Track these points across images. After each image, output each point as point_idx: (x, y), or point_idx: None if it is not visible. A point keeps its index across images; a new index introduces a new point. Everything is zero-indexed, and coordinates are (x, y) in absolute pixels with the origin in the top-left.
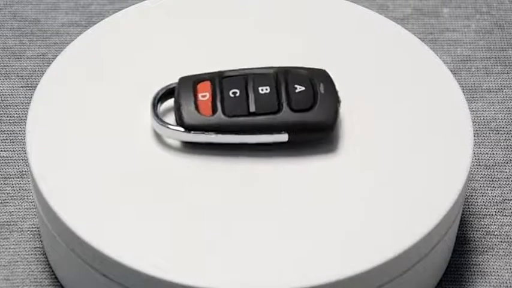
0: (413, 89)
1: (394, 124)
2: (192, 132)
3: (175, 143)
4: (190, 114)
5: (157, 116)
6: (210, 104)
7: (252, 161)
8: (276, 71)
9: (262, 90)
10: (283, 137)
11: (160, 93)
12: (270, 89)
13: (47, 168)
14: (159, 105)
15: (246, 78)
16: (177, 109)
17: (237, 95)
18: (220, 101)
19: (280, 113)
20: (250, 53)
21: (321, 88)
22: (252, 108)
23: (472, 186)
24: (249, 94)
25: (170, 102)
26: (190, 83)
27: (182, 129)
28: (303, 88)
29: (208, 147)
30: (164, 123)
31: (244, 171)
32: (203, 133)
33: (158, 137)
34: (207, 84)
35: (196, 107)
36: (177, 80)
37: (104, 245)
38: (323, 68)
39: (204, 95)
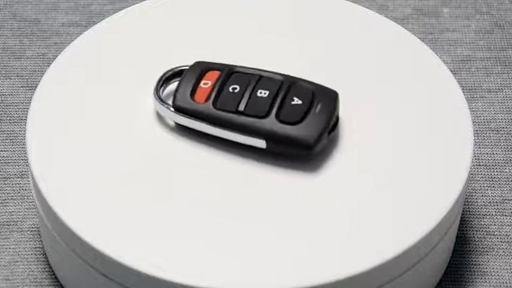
0: (413, 89)
1: (394, 124)
2: (180, 114)
3: (175, 143)
4: (183, 97)
5: (157, 91)
6: (207, 93)
7: (253, 161)
8: (285, 79)
9: (260, 93)
10: (262, 143)
11: (171, 73)
12: (268, 94)
13: (47, 168)
14: (168, 83)
15: (251, 78)
16: (176, 89)
17: (235, 91)
18: (217, 92)
19: (266, 119)
20: (250, 53)
21: (318, 107)
22: (241, 108)
23: (472, 186)
24: (245, 94)
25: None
26: (200, 69)
27: (172, 108)
28: (300, 102)
29: (209, 147)
30: (160, 100)
31: (244, 170)
32: (189, 117)
33: (158, 137)
34: (215, 74)
35: (193, 93)
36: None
37: (104, 245)
38: (321, 66)
39: (207, 83)
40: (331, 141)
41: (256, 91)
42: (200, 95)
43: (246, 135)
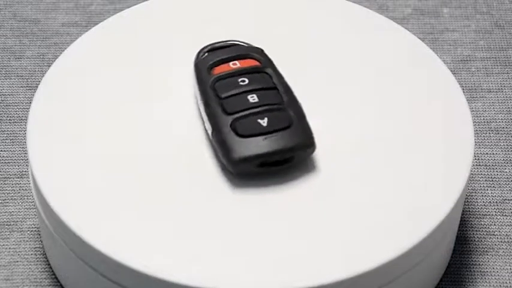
0: (414, 89)
1: (395, 124)
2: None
3: (175, 144)
4: (206, 64)
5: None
6: (227, 72)
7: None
8: (280, 90)
9: (253, 98)
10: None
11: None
12: (257, 98)
13: (47, 168)
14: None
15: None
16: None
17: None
18: (236, 78)
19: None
20: None
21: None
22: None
23: (472, 186)
24: (253, 91)
25: None
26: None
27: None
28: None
29: (208, 147)
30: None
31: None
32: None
33: (158, 137)
34: (251, 62)
35: (214, 66)
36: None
37: (104, 245)
38: (321, 67)
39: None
40: (331, 141)
41: (260, 93)
42: (218, 70)
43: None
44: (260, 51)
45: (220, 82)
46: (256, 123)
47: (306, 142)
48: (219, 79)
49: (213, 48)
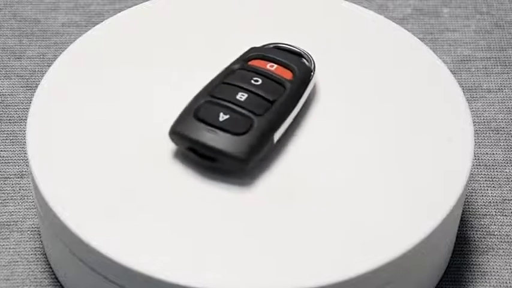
0: (413, 89)
1: (394, 124)
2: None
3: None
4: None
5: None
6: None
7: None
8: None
9: (242, 97)
10: None
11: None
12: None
13: (47, 168)
14: None
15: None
16: None
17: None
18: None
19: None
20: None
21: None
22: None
23: (472, 186)
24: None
25: None
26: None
27: None
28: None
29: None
30: None
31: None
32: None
33: (158, 138)
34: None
35: (253, 59)
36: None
37: (103, 246)
38: (321, 67)
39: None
40: (330, 141)
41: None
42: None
43: None
44: (308, 71)
45: (240, 71)
46: (216, 115)
47: (235, 156)
48: (242, 68)
49: (277, 46)
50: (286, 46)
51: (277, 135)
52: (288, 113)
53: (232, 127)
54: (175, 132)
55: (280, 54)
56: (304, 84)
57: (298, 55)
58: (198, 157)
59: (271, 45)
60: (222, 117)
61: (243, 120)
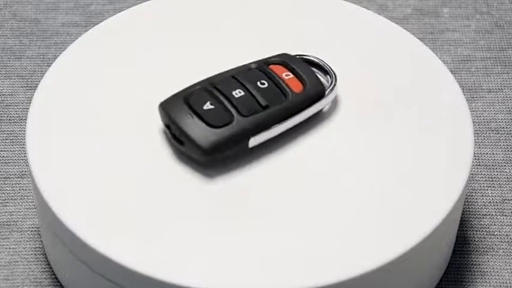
0: (413, 89)
1: (394, 124)
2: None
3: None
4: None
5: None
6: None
7: (253, 160)
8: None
9: (237, 94)
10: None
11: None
12: (244, 91)
13: (47, 168)
14: None
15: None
16: None
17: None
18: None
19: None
20: (250, 53)
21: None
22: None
23: (472, 186)
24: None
25: None
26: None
27: None
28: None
29: None
30: None
31: (244, 169)
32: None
33: (158, 137)
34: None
35: (273, 64)
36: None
37: (103, 246)
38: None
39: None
40: (330, 141)
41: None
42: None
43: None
44: (320, 91)
45: (254, 71)
46: (202, 103)
47: (199, 145)
48: (258, 69)
49: (308, 60)
50: (318, 61)
51: (254, 141)
52: (276, 123)
53: (210, 118)
54: (161, 106)
55: (302, 67)
56: (310, 102)
57: (325, 73)
58: (171, 137)
59: (303, 56)
60: (207, 106)
61: (224, 114)
